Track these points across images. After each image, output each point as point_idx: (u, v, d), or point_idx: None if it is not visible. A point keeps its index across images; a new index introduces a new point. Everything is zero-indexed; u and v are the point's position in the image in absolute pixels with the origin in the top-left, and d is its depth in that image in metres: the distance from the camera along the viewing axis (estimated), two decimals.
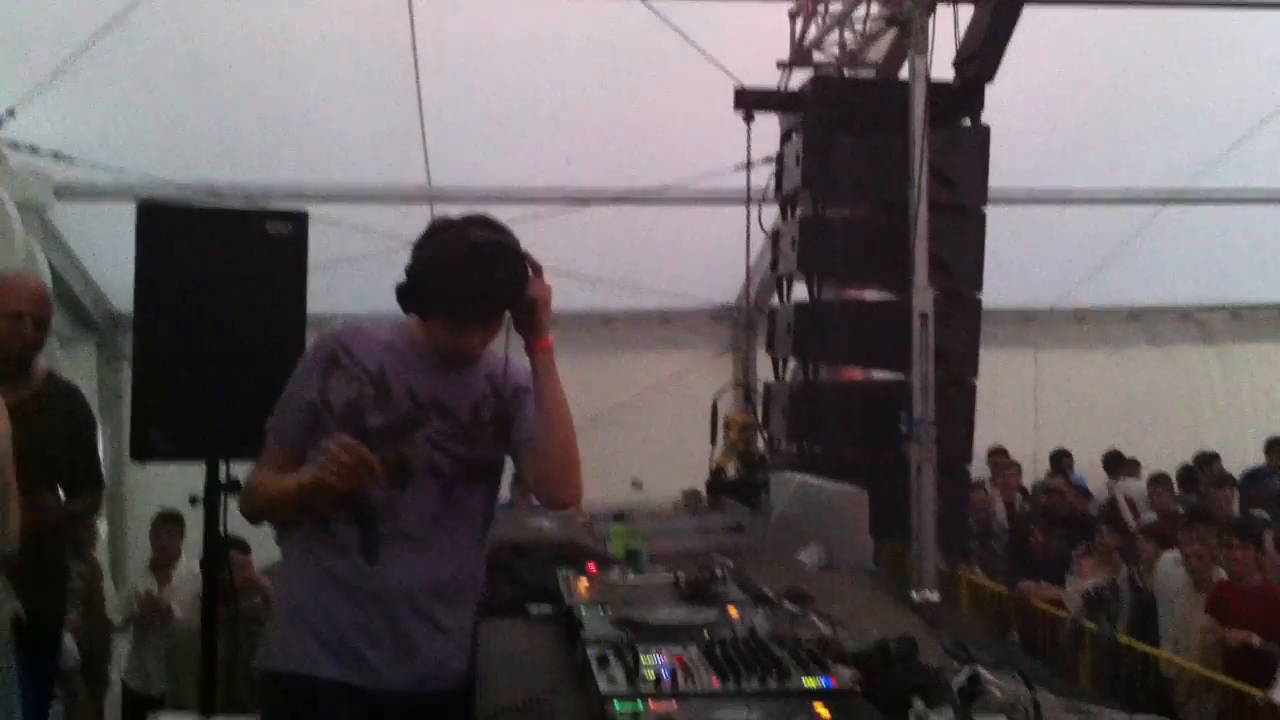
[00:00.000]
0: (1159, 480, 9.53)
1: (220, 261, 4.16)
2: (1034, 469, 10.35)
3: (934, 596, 3.36)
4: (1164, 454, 10.46)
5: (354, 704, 2.47)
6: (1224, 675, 6.25)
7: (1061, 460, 10.44)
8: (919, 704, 1.97)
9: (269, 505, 2.67)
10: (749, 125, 6.28)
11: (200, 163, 7.62)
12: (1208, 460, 10.22)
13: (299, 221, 4.21)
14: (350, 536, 2.54)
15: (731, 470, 5.59)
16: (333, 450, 2.42)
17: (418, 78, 7.40)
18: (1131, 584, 7.35)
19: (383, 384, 2.60)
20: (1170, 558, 7.10)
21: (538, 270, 2.60)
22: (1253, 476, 10.10)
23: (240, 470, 4.15)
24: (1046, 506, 9.08)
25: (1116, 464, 10.32)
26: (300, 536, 2.62)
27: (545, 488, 2.63)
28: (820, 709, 1.90)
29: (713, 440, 5.45)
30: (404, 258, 2.59)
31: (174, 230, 4.19)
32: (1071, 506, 9.08)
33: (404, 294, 2.55)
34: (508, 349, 2.68)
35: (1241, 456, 10.64)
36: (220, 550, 4.29)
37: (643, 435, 9.15)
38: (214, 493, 4.15)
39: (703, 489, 5.30)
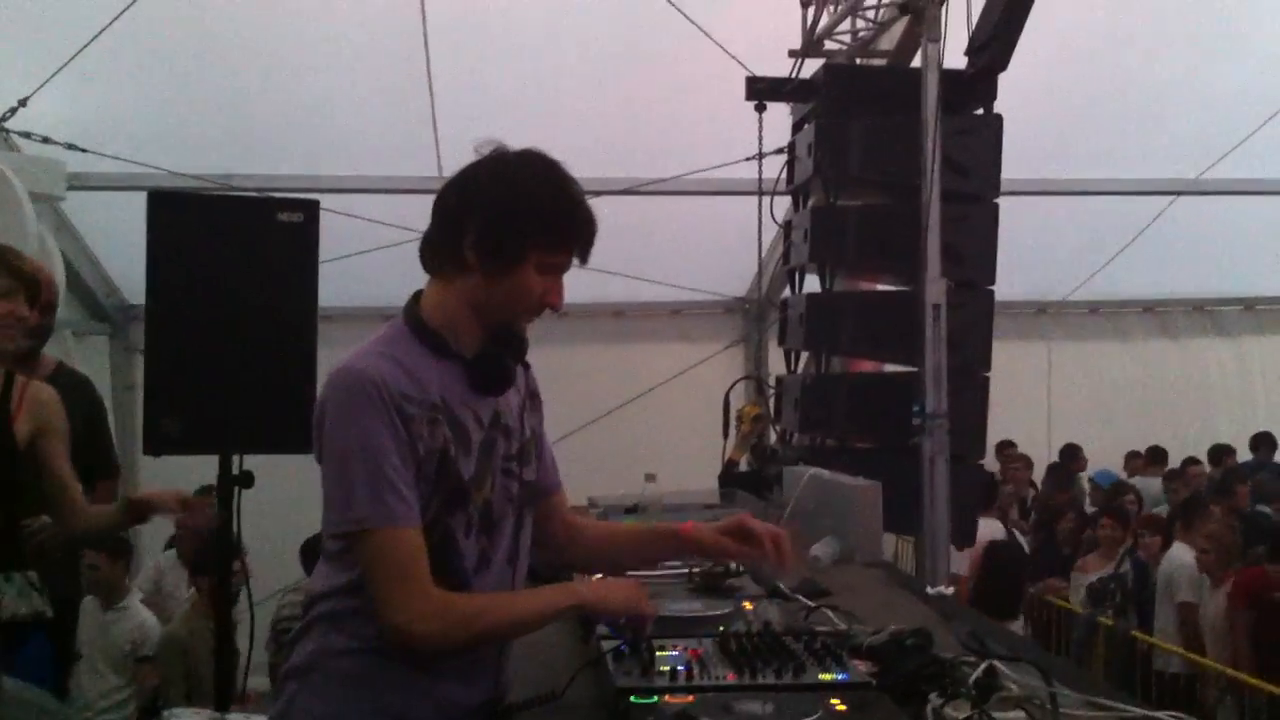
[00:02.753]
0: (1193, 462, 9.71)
1: (232, 251, 4.14)
2: (1047, 461, 10.33)
3: (949, 590, 3.35)
4: (1176, 447, 10.44)
5: None
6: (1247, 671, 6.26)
7: (1073, 460, 10.38)
8: (935, 697, 1.96)
9: (503, 629, 2.16)
10: (761, 115, 6.26)
11: (213, 154, 7.64)
12: (1223, 453, 10.23)
13: (310, 210, 4.19)
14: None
15: (744, 463, 5.59)
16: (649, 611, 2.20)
17: (429, 68, 7.40)
18: (1136, 575, 7.34)
19: (453, 417, 2.13)
20: (1180, 549, 7.09)
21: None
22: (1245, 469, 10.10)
23: (252, 463, 4.15)
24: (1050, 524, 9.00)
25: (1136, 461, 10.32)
26: (341, 609, 2.12)
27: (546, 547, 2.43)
28: (836, 703, 1.89)
29: (725, 433, 5.44)
30: (416, 248, 2.26)
31: (185, 219, 4.17)
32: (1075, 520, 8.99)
33: (478, 235, 2.09)
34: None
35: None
36: (231, 544, 4.28)
37: (655, 428, 9.14)
38: (227, 484, 4.14)
39: (715, 483, 5.29)
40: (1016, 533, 8.13)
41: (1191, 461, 10.11)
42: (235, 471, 4.12)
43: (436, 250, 2.18)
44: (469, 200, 2.12)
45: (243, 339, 4.08)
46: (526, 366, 2.33)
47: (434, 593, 2.04)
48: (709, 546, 2.42)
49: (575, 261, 2.17)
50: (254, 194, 6.94)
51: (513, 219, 2.09)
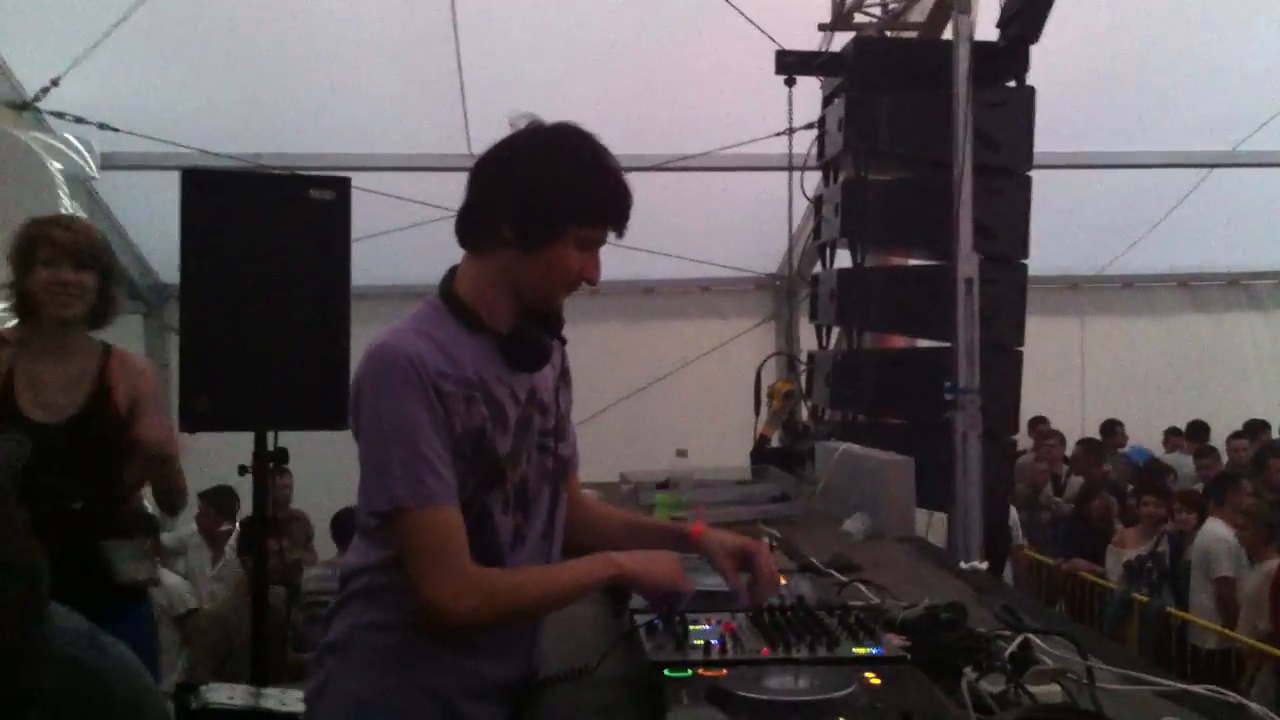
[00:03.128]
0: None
1: (264, 229, 4.17)
2: (1079, 437, 10.27)
3: (982, 565, 3.34)
4: (1210, 422, 10.37)
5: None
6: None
7: (1111, 435, 10.32)
8: (970, 671, 1.95)
9: (541, 603, 2.15)
10: (791, 89, 6.23)
11: (243, 133, 7.66)
12: (1258, 428, 10.16)
13: (342, 187, 4.22)
14: None
15: (775, 439, 5.58)
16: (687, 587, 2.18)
17: (457, 44, 7.39)
18: (1172, 552, 7.30)
19: (489, 394, 2.13)
20: (1215, 524, 7.04)
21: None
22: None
23: (287, 439, 4.18)
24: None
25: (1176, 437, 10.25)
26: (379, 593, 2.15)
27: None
28: (870, 676, 1.89)
29: (756, 410, 5.44)
30: (448, 225, 2.28)
31: (218, 198, 4.20)
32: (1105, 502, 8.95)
33: (515, 213, 2.09)
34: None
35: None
36: (267, 521, 4.32)
37: (686, 404, 9.15)
38: (262, 461, 4.17)
39: (747, 458, 5.29)
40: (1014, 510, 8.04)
41: (1235, 436, 10.02)
42: (270, 448, 4.15)
43: (473, 226, 2.17)
44: (506, 176, 2.12)
45: (276, 316, 4.11)
46: (563, 342, 2.34)
47: (471, 569, 2.04)
48: (712, 560, 2.39)
49: (612, 235, 2.18)
50: (285, 172, 6.98)
51: (551, 195, 2.09)
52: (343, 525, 6.42)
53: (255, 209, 4.22)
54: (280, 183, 4.68)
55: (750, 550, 2.39)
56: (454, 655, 2.13)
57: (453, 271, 2.23)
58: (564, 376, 2.38)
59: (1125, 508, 8.30)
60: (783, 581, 2.61)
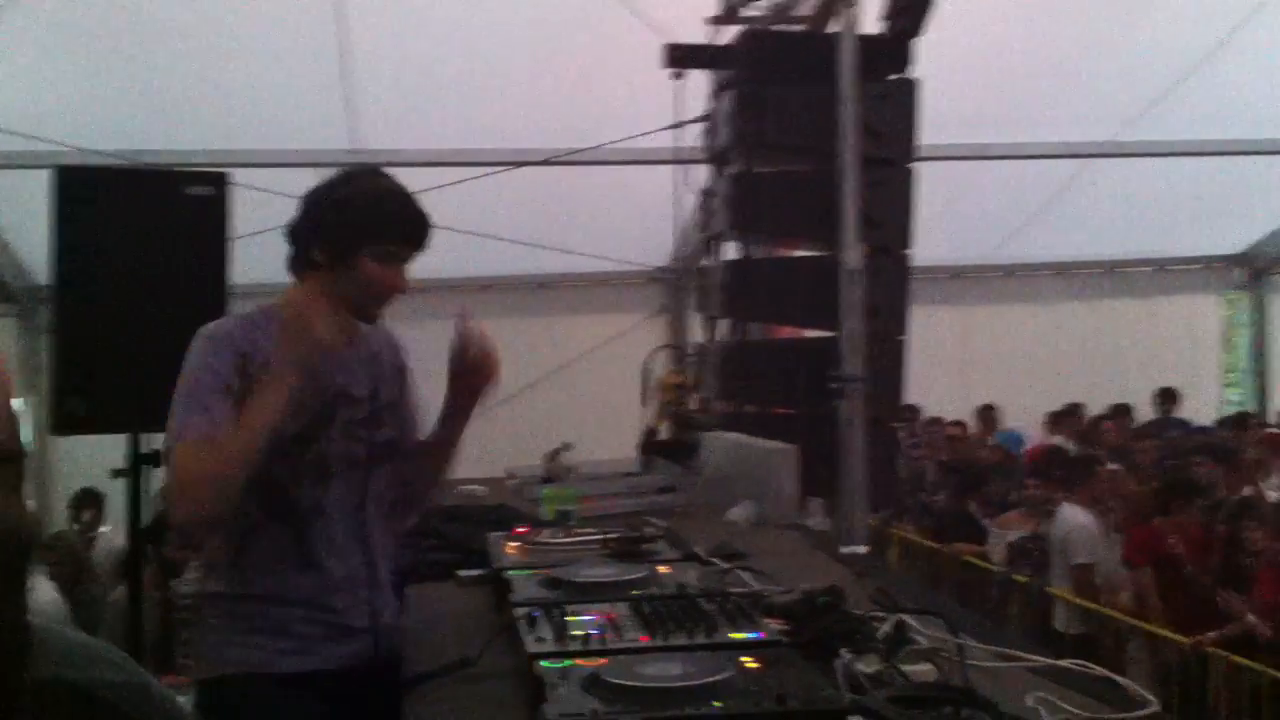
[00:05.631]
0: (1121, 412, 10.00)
1: (141, 226, 4.08)
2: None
3: (862, 550, 3.39)
4: (1092, 406, 10.65)
5: (306, 690, 2.46)
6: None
7: (987, 415, 10.59)
8: (846, 653, 1.98)
9: (240, 463, 2.36)
10: (679, 83, 6.25)
11: (121, 130, 7.46)
12: (1121, 412, 10.48)
13: (220, 183, 4.14)
14: (283, 540, 2.50)
15: (664, 431, 5.60)
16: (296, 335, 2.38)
17: (342, 39, 7.28)
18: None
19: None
20: (1070, 510, 7.17)
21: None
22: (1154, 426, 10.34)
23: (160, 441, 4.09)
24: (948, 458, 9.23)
25: (1058, 419, 10.49)
26: (230, 552, 2.51)
27: (403, 499, 2.72)
28: (748, 660, 1.91)
29: (644, 402, 5.45)
30: None
31: (92, 195, 4.10)
32: (969, 455, 9.20)
33: (320, 240, 2.52)
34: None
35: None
36: (141, 524, 4.23)
37: (576, 398, 9.17)
38: (137, 464, 4.08)
39: (635, 450, 5.30)
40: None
41: (1101, 419, 10.32)
42: (144, 450, 4.06)
43: (295, 256, 2.61)
44: (313, 209, 2.57)
45: (152, 315, 4.01)
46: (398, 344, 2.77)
47: (198, 462, 2.38)
48: (450, 399, 2.70)
49: (412, 251, 2.57)
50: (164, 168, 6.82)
51: (345, 220, 2.52)
52: None
53: (131, 206, 4.13)
54: (157, 179, 4.57)
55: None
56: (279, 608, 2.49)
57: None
58: (398, 373, 2.75)
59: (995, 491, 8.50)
60: (665, 570, 2.63)
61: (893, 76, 5.83)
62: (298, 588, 2.49)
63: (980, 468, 8.90)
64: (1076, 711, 1.89)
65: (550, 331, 9.85)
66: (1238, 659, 5.81)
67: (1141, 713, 1.95)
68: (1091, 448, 9.21)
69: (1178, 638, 6.20)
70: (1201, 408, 11.10)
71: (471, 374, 2.66)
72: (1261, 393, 11.96)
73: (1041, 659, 2.22)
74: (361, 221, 2.52)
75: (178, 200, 4.12)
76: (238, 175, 4.52)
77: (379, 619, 2.57)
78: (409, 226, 2.57)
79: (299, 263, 2.60)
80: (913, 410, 10.01)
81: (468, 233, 7.75)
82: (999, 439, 10.07)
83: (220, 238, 4.13)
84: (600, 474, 4.13)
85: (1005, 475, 8.77)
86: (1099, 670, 2.18)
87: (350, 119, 7.60)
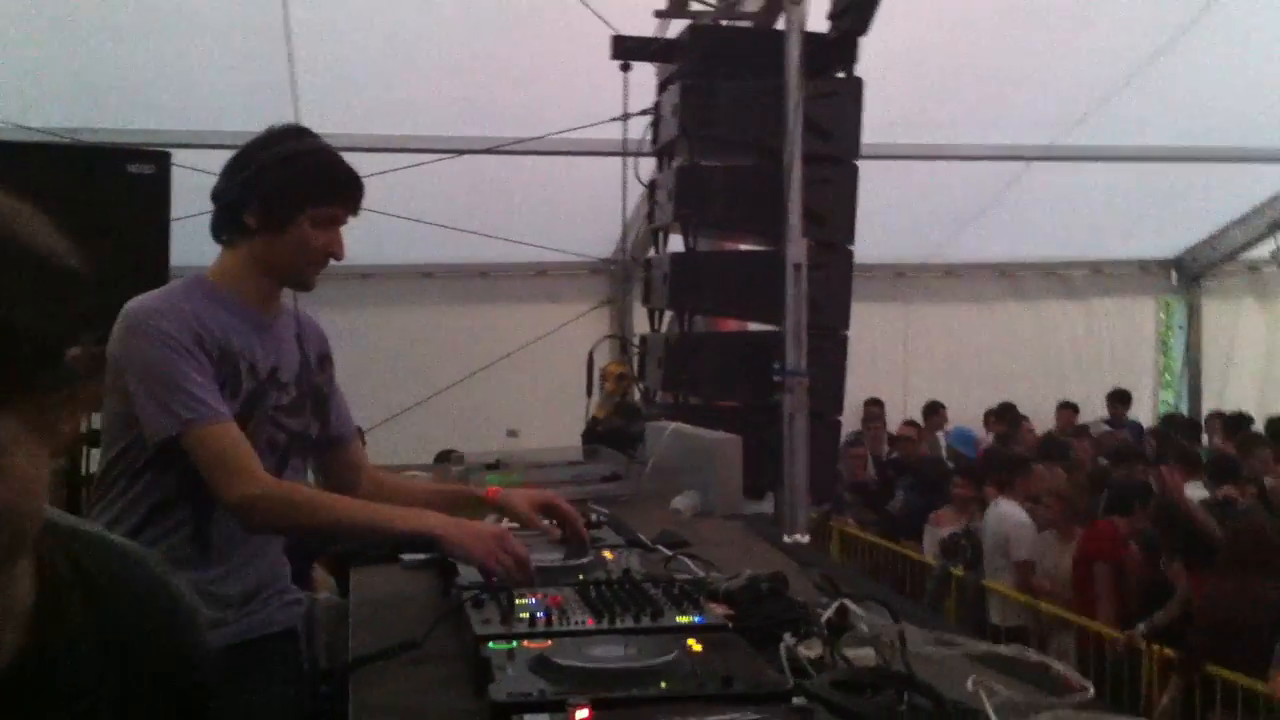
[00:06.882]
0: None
1: (79, 205, 4.01)
2: (902, 420, 10.61)
3: (805, 539, 3.42)
4: (1029, 407, 10.82)
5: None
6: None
7: (935, 414, 10.71)
8: (789, 637, 2.01)
9: (334, 528, 2.47)
10: (626, 75, 6.26)
11: (60, 109, 7.34)
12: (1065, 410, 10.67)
13: (161, 161, 4.09)
14: (185, 520, 2.44)
15: (608, 421, 5.62)
16: (506, 561, 2.31)
17: (287, 22, 7.21)
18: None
19: (230, 359, 2.45)
20: (1007, 505, 7.31)
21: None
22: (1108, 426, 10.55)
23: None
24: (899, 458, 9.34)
25: (1000, 416, 10.63)
26: (134, 523, 2.42)
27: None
28: (693, 643, 1.93)
29: (589, 392, 5.46)
30: None
31: (27, 172, 4.03)
32: (919, 457, 9.33)
33: (255, 203, 2.41)
34: (296, 302, 2.66)
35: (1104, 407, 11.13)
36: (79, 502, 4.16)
37: (520, 388, 9.14)
38: (77, 444, 4.02)
39: (579, 440, 5.31)
40: None
41: (1024, 418, 10.50)
42: (84, 429, 4.00)
43: (223, 221, 2.50)
44: (245, 171, 2.44)
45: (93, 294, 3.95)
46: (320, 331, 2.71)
47: (268, 476, 2.39)
48: (519, 515, 2.61)
49: (349, 215, 2.50)
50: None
51: (285, 182, 2.41)
52: None
53: (69, 183, 4.08)
54: (96, 154, 4.52)
55: (551, 499, 2.65)
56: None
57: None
58: (322, 360, 2.68)
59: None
60: (609, 556, 2.64)
61: (838, 75, 5.88)
62: (196, 567, 2.40)
63: (942, 468, 9.01)
64: (1015, 695, 1.92)
65: (493, 321, 9.81)
66: (1169, 651, 5.95)
67: (1078, 698, 1.99)
68: (1021, 447, 9.37)
69: (1113, 632, 6.33)
70: (1140, 409, 11.32)
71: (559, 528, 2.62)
72: (1194, 395, 12.18)
73: (981, 644, 2.25)
74: (303, 183, 2.43)
75: (118, 179, 4.08)
76: (179, 156, 4.47)
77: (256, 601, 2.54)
78: (351, 188, 2.49)
79: (228, 228, 2.49)
80: (878, 405, 10.16)
81: (411, 219, 7.72)
82: (953, 438, 10.18)
83: (162, 217, 4.09)
84: (544, 462, 4.13)
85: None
86: (1036, 656, 2.22)
87: (294, 102, 7.51)
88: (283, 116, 7.37)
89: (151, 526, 2.42)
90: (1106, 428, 10.50)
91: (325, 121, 7.88)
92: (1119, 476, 7.78)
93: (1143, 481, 7.30)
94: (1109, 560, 6.76)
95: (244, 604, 2.52)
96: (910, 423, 10.32)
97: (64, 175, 4.08)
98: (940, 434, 10.49)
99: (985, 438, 10.22)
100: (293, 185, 2.42)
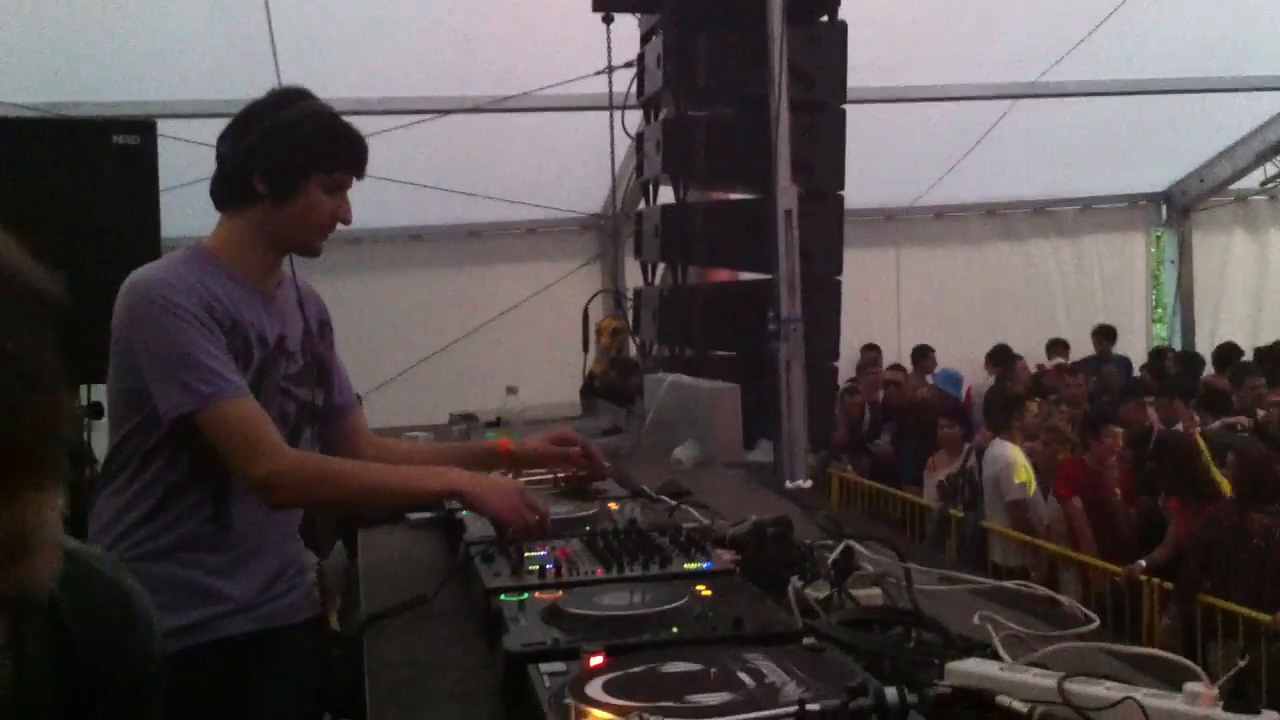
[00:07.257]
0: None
1: (67, 178, 4.00)
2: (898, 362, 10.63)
3: (806, 485, 3.44)
4: (1021, 346, 10.83)
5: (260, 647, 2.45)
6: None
7: (924, 357, 10.72)
8: (796, 580, 2.02)
9: (361, 496, 2.42)
10: (608, 27, 6.21)
11: (43, 83, 7.28)
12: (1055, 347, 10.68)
13: (147, 132, 4.07)
14: (203, 501, 2.37)
15: (606, 375, 5.62)
16: (529, 517, 2.28)
17: None
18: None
19: (239, 333, 2.38)
20: (1000, 445, 7.33)
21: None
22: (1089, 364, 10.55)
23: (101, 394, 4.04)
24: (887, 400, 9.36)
25: (1000, 358, 10.63)
26: (149, 507, 2.35)
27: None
28: (702, 589, 1.94)
29: (585, 347, 5.46)
30: None
31: (13, 148, 4.01)
32: (909, 399, 9.35)
33: (265, 168, 2.34)
34: (294, 269, 2.59)
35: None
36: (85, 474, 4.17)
37: (515, 347, 9.15)
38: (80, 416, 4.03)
39: (577, 396, 5.32)
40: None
41: (1018, 358, 10.51)
42: (84, 402, 4.01)
43: (227, 187, 2.42)
44: (252, 136, 2.36)
45: (83, 268, 3.92)
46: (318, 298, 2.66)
47: (290, 450, 2.35)
48: (538, 456, 2.75)
49: (354, 178, 2.44)
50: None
51: (294, 146, 2.34)
52: None
53: (55, 157, 4.05)
54: (81, 127, 4.48)
55: (564, 435, 2.83)
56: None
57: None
58: (322, 328, 2.64)
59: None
60: (614, 508, 2.66)
61: (822, 19, 5.85)
62: (212, 547, 2.37)
63: (928, 414, 9.01)
64: (1021, 629, 1.95)
65: (486, 281, 9.81)
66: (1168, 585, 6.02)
67: (1084, 629, 2.02)
68: (1020, 387, 9.39)
69: (1112, 567, 6.39)
70: (1132, 344, 11.34)
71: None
72: (1187, 329, 12.22)
73: (984, 580, 2.28)
74: (312, 149, 2.36)
75: (104, 150, 4.05)
76: (163, 127, 4.44)
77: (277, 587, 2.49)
78: (360, 152, 2.43)
79: (233, 196, 2.41)
80: (874, 350, 10.17)
81: (398, 181, 7.68)
82: (940, 379, 10.19)
83: (150, 188, 4.07)
84: (545, 417, 4.14)
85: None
86: (1041, 590, 2.24)
87: (277, 67, 7.46)
88: (264, 83, 7.37)
89: (168, 510, 2.35)
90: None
91: (307, 85, 7.90)
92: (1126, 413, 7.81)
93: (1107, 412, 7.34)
94: (1084, 497, 6.81)
95: (266, 588, 2.46)
96: (896, 366, 10.33)
97: (52, 150, 4.05)
98: (929, 377, 10.50)
99: (971, 380, 10.24)
100: (301, 151, 2.35)
